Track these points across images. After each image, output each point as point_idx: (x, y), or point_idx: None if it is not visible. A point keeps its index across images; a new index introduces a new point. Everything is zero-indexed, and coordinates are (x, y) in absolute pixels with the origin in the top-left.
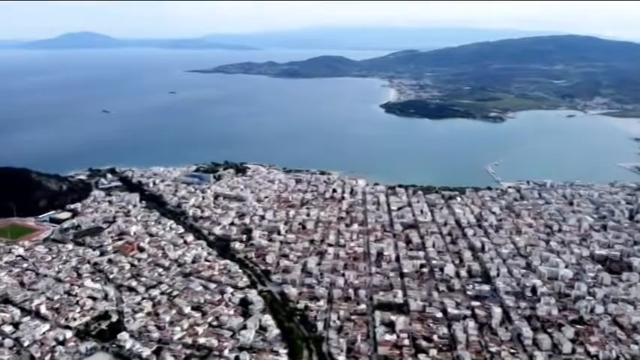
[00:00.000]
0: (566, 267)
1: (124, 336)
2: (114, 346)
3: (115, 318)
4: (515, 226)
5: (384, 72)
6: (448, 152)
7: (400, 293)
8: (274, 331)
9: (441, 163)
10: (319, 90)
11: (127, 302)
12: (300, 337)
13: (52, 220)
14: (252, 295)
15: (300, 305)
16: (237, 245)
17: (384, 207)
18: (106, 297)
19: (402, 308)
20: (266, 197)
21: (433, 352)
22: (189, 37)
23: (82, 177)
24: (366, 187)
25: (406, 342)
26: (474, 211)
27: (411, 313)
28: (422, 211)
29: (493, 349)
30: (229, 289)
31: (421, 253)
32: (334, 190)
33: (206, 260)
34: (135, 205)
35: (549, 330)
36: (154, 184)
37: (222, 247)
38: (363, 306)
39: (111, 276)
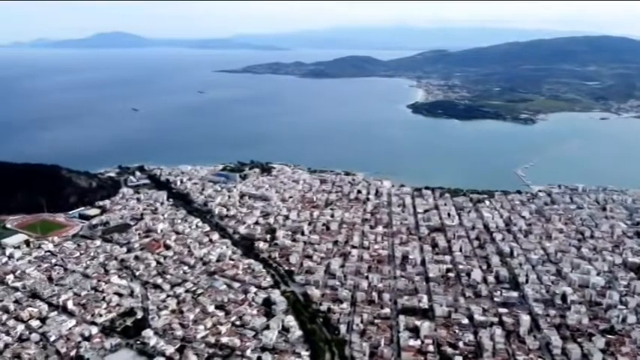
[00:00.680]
0: (598, 274)
1: (148, 333)
2: (138, 343)
3: (140, 315)
4: (546, 232)
5: (412, 72)
6: (476, 154)
7: (425, 298)
8: (297, 333)
9: (469, 166)
10: (345, 90)
11: (152, 299)
12: (322, 339)
13: (82, 217)
14: (276, 295)
15: (323, 307)
16: (262, 245)
17: (410, 209)
18: (131, 294)
19: (426, 313)
20: (290, 197)
21: (458, 359)
22: (217, 37)
23: (112, 174)
24: (392, 189)
25: (431, 348)
26: (503, 215)
27: (437, 319)
28: (449, 214)
29: (520, 358)
30: (253, 289)
31: (447, 258)
32: (359, 191)
33: (230, 259)
34: (162, 203)
35: (579, 339)
36: (182, 182)
37: (246, 246)
38: (387, 310)
39: (137, 273)
